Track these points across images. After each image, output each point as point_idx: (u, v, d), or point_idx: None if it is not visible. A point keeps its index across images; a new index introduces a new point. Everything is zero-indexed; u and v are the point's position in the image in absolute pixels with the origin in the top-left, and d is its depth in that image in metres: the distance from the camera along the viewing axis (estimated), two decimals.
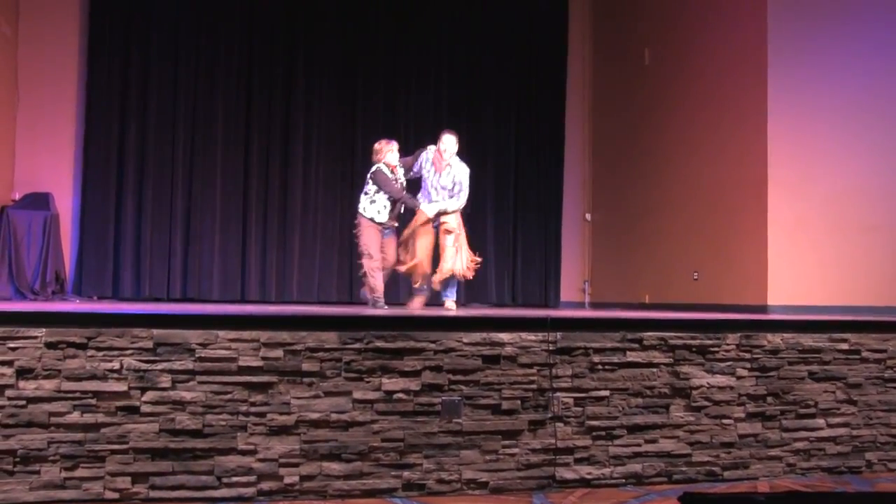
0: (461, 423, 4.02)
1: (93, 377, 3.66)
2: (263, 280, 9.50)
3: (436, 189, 6.63)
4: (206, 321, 3.83)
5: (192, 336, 3.77)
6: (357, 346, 3.94)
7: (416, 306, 6.65)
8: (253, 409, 3.81)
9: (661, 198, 9.26)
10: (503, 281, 10.35)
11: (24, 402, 3.60)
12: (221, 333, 3.80)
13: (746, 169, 7.89)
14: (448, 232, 6.57)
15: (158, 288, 9.13)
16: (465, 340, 4.08)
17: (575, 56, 10.84)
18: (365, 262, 6.60)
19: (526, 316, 4.41)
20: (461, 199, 6.66)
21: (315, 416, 3.86)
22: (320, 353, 3.90)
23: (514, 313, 5.24)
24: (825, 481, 4.43)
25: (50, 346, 3.65)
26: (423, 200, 6.66)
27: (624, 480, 4.22)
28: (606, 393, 4.24)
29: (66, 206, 9.00)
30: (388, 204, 6.57)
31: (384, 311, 5.69)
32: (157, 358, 3.73)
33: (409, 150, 7.07)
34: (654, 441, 4.29)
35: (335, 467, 3.87)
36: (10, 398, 3.59)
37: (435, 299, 6.80)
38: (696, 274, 8.58)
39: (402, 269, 6.72)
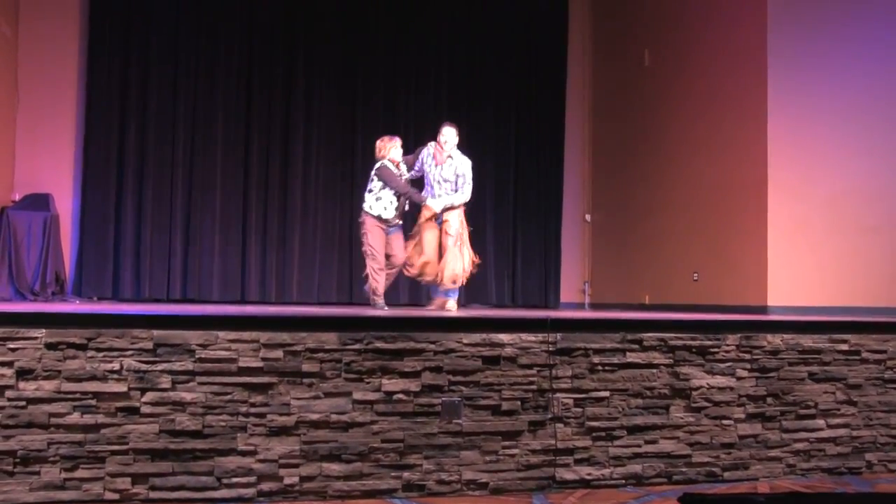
0: (461, 423, 4.02)
1: (93, 378, 3.66)
2: (263, 281, 9.49)
3: (438, 182, 6.61)
4: (206, 322, 3.83)
5: (192, 337, 3.77)
6: (357, 346, 3.94)
7: (441, 305, 6.61)
8: (253, 410, 3.81)
9: (662, 198, 9.26)
10: (503, 281, 10.35)
11: (24, 403, 3.60)
12: (221, 334, 3.80)
13: (746, 170, 7.90)
14: (449, 233, 6.57)
15: (158, 289, 9.12)
16: (465, 341, 4.08)
17: (575, 56, 10.84)
18: (368, 262, 6.58)
19: (526, 317, 4.41)
20: (466, 193, 6.64)
21: (315, 416, 3.86)
22: (320, 354, 3.90)
23: (514, 314, 5.24)
24: (825, 482, 4.43)
25: (50, 346, 3.65)
26: (427, 196, 6.66)
27: (624, 481, 4.22)
28: (606, 394, 4.24)
29: (65, 206, 8.99)
30: (394, 200, 6.55)
31: (384, 311, 5.70)
32: (157, 359, 3.73)
33: (409, 151, 7.06)
34: (654, 442, 4.29)
35: (335, 468, 3.87)
36: (10, 399, 3.59)
37: (416, 297, 6.75)
38: (696, 275, 8.58)
39: (413, 272, 6.69)
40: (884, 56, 8.00)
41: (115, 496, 3.64)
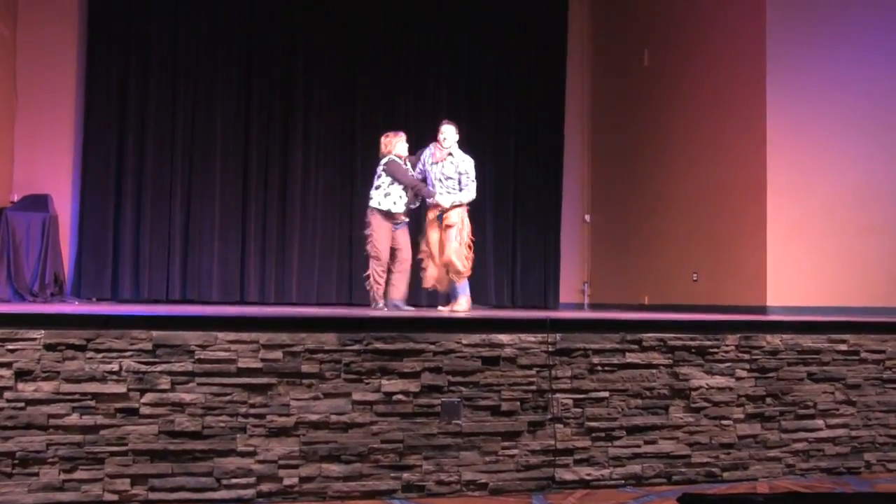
0: (461, 424, 4.02)
1: (92, 379, 3.66)
2: (263, 282, 9.49)
3: (440, 180, 6.59)
4: (206, 323, 3.83)
5: (192, 338, 3.77)
6: (356, 347, 3.94)
7: (464, 306, 6.59)
8: (252, 411, 3.80)
9: (661, 199, 9.26)
10: (502, 282, 10.35)
11: (22, 404, 3.59)
12: (221, 335, 3.80)
13: (746, 171, 7.90)
14: (450, 227, 6.56)
15: (157, 289, 9.12)
16: (464, 342, 4.08)
17: (574, 57, 10.84)
18: (372, 264, 6.55)
19: (525, 317, 4.42)
20: (471, 191, 6.63)
21: (314, 417, 3.86)
22: (320, 355, 3.90)
23: (514, 314, 5.24)
24: (824, 482, 4.43)
25: (49, 347, 3.64)
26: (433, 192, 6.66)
27: (623, 481, 4.22)
28: (606, 394, 4.24)
29: (64, 207, 8.98)
30: (402, 194, 6.53)
31: (383, 312, 5.69)
32: (156, 359, 3.73)
33: (410, 153, 7.04)
34: (653, 442, 4.30)
35: (335, 469, 3.87)
36: (8, 400, 3.59)
37: (433, 298, 6.76)
38: (695, 275, 8.58)
39: (429, 284, 6.73)
40: (881, 60, 8.01)
41: (115, 497, 3.64)
